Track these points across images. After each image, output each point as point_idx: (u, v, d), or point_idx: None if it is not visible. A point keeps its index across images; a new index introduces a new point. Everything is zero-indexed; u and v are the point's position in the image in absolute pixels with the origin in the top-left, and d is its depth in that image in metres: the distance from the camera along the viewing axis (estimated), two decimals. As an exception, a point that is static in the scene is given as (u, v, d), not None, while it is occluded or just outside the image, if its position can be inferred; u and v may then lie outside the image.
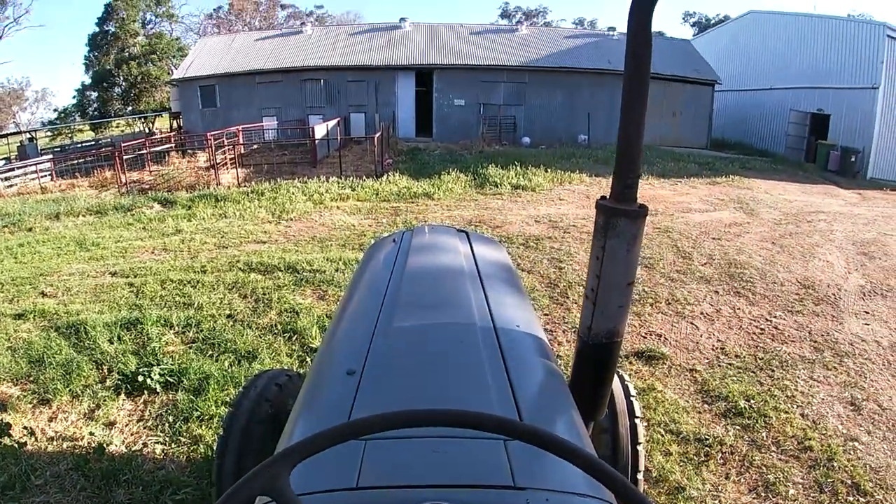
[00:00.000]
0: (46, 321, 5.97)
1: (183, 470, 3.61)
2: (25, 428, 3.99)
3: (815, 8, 57.23)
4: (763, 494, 3.54)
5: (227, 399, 4.29)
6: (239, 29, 47.84)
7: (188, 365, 4.83)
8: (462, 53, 26.84)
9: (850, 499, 3.51)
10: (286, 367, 4.43)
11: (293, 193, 13.58)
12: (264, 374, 2.87)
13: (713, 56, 30.47)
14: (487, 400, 1.51)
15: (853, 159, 21.58)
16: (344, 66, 26.35)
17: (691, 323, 6.18)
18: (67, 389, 4.57)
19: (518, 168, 16.59)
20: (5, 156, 26.70)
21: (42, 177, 19.26)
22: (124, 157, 17.30)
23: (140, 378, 4.61)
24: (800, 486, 3.62)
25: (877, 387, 4.90)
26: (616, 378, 2.58)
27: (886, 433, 4.22)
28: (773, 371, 5.13)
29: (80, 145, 31.53)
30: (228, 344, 5.33)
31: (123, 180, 16.65)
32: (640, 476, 2.62)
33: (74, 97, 43.23)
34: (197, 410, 4.21)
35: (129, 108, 40.08)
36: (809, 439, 4.07)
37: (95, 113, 40.41)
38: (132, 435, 4.05)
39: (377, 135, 18.22)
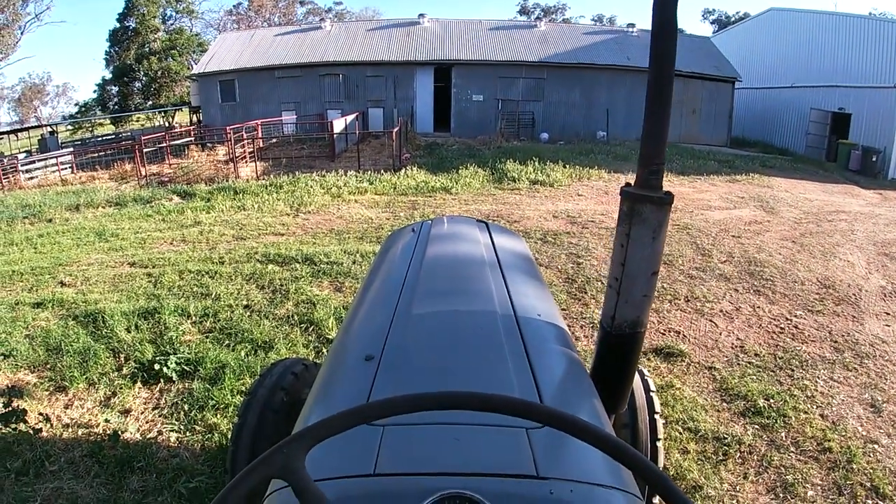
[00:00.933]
0: (65, 310, 6.03)
1: (197, 458, 3.62)
2: (41, 414, 4.02)
3: (836, 6, 56.41)
4: (781, 495, 3.47)
5: (243, 388, 4.31)
6: (258, 25, 48.14)
7: (204, 354, 4.86)
8: (481, 49, 26.77)
9: (869, 502, 3.44)
10: (302, 357, 4.43)
11: (311, 187, 13.64)
12: (280, 363, 2.87)
13: (733, 53, 30.15)
14: (509, 386, 1.47)
15: (874, 159, 21.19)
16: (363, 61, 26.45)
17: (710, 320, 6.10)
18: (84, 377, 4.61)
19: (536, 163, 16.51)
20: (27, 149, 27.09)
21: (63, 169, 19.51)
22: (144, 151, 17.49)
23: (156, 366, 4.65)
24: (818, 487, 3.55)
25: (899, 389, 4.80)
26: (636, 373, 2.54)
27: (909, 436, 4.13)
28: (792, 371, 5.04)
29: (100, 139, 31.89)
30: (245, 334, 5.35)
31: (143, 173, 16.83)
32: None
33: (95, 91, 43.76)
34: (212, 399, 4.22)
35: (150, 102, 40.44)
36: (829, 440, 3.99)
37: (116, 107, 40.82)
38: (147, 423, 4.08)
39: (395, 129, 18.23)
